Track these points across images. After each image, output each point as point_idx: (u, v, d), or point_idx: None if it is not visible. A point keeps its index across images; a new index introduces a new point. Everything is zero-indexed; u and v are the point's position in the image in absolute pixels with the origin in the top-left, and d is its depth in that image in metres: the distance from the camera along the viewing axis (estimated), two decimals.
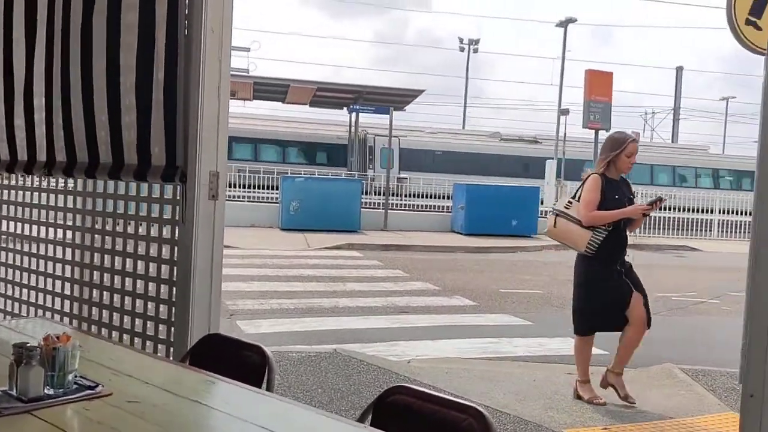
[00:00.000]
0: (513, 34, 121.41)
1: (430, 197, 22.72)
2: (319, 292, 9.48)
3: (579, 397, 4.86)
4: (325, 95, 24.27)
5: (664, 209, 21.40)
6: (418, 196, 22.97)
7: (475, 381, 5.34)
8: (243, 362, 2.32)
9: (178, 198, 2.94)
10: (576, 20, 29.61)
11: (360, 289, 9.81)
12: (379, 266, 12.44)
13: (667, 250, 17.86)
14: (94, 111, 3.09)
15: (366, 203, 20.60)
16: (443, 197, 21.91)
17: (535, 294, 10.07)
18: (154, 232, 3.16)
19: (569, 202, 4.93)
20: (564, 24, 29.43)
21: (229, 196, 19.84)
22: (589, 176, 4.85)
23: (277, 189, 19.30)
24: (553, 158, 24.91)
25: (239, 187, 21.12)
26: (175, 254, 2.99)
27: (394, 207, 21.10)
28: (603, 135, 23.03)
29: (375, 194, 21.99)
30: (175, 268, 3.00)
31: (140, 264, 3.18)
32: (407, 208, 21.91)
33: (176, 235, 2.98)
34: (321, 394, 4.76)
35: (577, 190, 5.00)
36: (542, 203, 20.70)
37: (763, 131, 1.60)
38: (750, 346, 1.63)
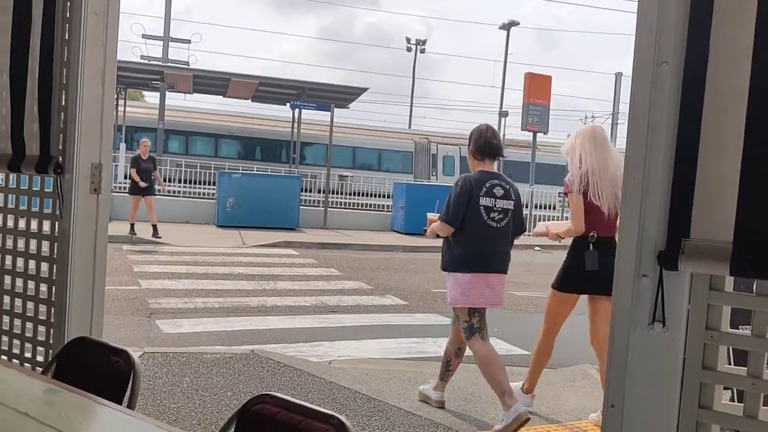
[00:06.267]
0: (458, 35, 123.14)
1: (371, 196, 22.63)
2: (248, 290, 9.28)
3: None
4: (268, 90, 23.94)
5: None
6: (360, 195, 22.85)
7: (394, 382, 5.28)
8: (109, 369, 2.17)
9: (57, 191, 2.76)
10: (518, 23, 30.06)
11: (291, 288, 9.65)
12: (313, 264, 12.30)
13: None
14: None
15: (307, 201, 20.38)
16: (384, 196, 21.87)
17: None
18: (35, 227, 2.97)
19: None
20: (507, 27, 29.79)
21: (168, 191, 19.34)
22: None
23: (213, 185, 18.93)
24: None
25: (177, 182, 20.63)
26: (54, 251, 2.81)
27: (335, 205, 20.95)
28: (541, 137, 23.44)
29: (316, 192, 21.79)
30: (54, 266, 2.83)
31: (20, 261, 2.99)
32: (348, 206, 21.77)
33: (55, 230, 2.80)
34: (230, 397, 4.61)
35: None
36: None
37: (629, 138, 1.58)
38: (611, 359, 1.61)
